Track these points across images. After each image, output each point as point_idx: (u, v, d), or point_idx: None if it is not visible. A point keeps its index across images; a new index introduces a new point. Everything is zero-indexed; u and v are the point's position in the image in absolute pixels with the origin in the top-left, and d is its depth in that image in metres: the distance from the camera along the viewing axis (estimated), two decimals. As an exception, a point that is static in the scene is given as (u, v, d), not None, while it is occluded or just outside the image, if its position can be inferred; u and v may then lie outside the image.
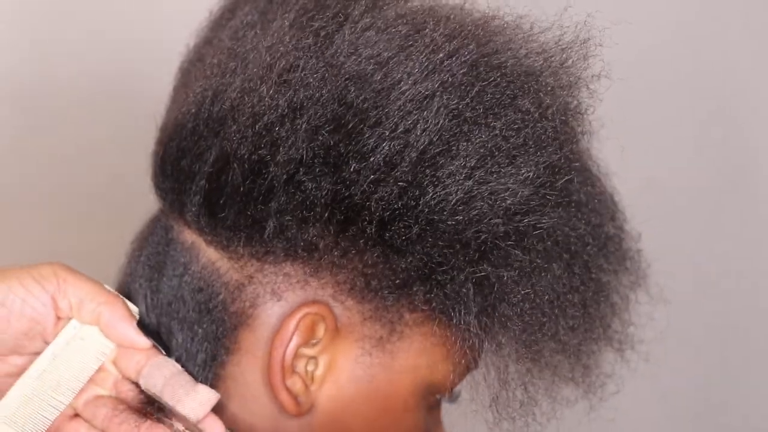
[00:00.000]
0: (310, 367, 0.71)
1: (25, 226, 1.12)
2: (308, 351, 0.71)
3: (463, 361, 0.75)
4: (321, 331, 0.70)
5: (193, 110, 0.71)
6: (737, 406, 1.41)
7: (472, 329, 0.71)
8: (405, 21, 0.70)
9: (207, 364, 0.71)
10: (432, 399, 0.75)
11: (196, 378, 0.69)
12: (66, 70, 1.16)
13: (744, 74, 1.44)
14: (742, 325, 1.45)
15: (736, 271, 1.43)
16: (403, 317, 0.71)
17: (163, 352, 0.69)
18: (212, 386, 0.69)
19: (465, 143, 0.67)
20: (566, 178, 0.70)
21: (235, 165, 0.68)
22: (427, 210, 0.67)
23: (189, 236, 0.72)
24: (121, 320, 0.67)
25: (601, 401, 0.79)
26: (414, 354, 0.72)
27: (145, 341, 0.67)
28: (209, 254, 0.71)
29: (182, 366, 0.68)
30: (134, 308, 0.70)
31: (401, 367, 0.72)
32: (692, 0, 1.41)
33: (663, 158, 1.35)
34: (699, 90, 1.41)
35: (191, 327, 0.71)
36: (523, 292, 0.70)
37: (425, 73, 0.67)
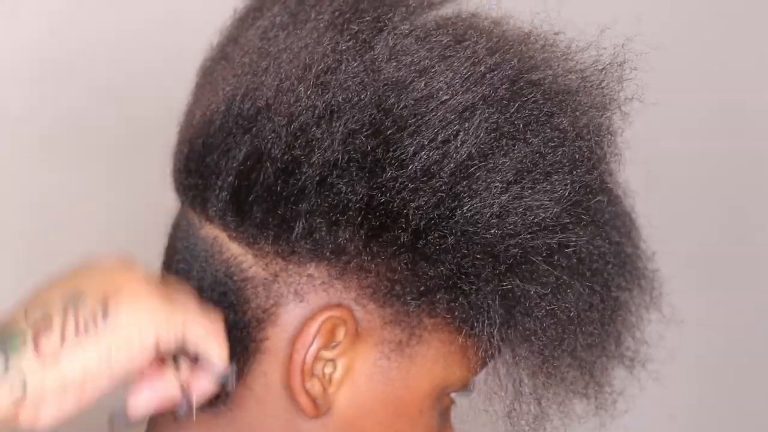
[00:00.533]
0: (327, 369, 0.71)
1: (26, 226, 1.12)
2: (327, 354, 0.71)
3: (477, 365, 0.76)
4: (341, 334, 0.71)
5: (223, 108, 0.71)
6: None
7: (493, 340, 0.71)
8: (446, 31, 0.70)
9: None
10: (446, 400, 0.75)
11: None
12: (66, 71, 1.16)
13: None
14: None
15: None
16: (423, 322, 0.72)
17: None
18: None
19: (503, 158, 0.68)
20: (597, 198, 0.70)
21: (268, 164, 0.68)
22: (462, 221, 0.68)
23: (211, 231, 0.72)
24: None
25: (613, 419, 0.79)
26: (431, 358, 0.73)
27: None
28: (233, 249, 0.71)
29: None
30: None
31: (418, 371, 0.72)
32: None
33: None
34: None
35: None
36: (547, 307, 0.70)
37: (466, 85, 0.67)
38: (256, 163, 0.69)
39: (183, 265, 0.73)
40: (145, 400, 0.67)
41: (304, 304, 0.70)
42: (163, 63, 1.14)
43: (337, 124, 0.67)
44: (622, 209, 0.78)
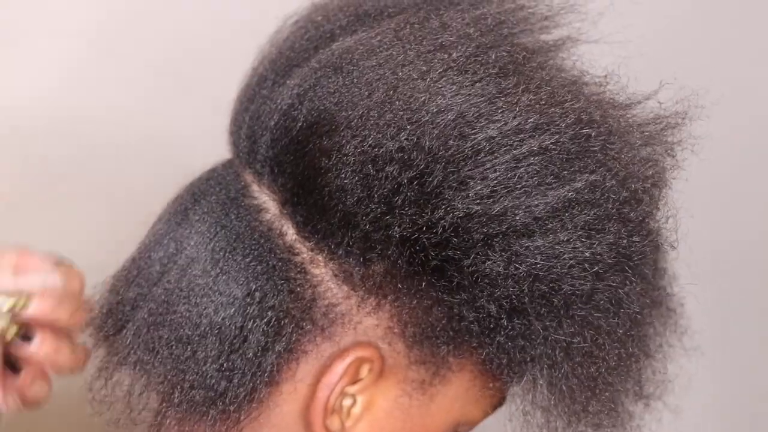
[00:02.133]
0: (346, 402, 0.69)
1: (25, 225, 1.09)
2: (349, 389, 0.69)
3: (495, 402, 0.75)
4: (365, 371, 0.69)
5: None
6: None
7: (520, 380, 0.70)
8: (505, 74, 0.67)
9: (246, 391, 0.69)
10: (463, 430, 0.75)
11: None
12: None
13: None
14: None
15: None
16: (448, 362, 0.70)
17: None
18: (247, 406, 0.68)
19: (562, 211, 0.66)
20: (644, 244, 0.69)
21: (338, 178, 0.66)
22: (512, 279, 0.66)
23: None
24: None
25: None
26: (451, 397, 0.72)
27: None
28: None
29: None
30: None
31: (437, 409, 0.71)
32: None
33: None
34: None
35: None
36: (594, 358, 0.69)
37: (524, 135, 0.65)
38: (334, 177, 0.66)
39: None
40: None
41: (333, 340, 0.68)
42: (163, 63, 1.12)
43: (421, 152, 0.64)
44: (661, 252, 0.76)
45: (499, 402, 0.76)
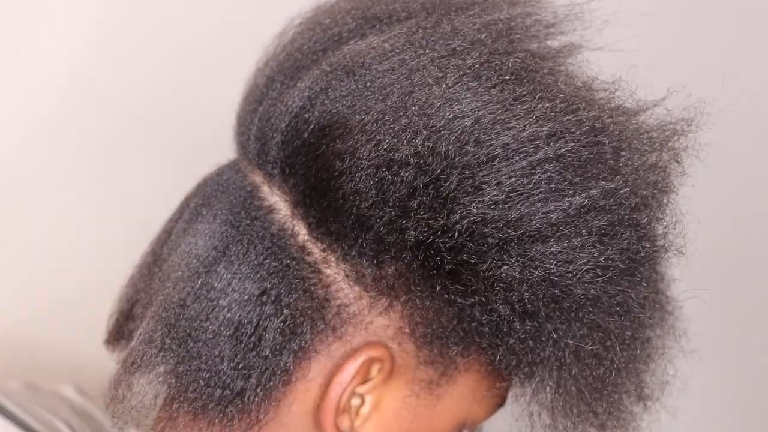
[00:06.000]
0: (355, 401, 0.70)
1: (25, 225, 1.09)
2: (359, 389, 0.70)
3: (499, 402, 0.76)
4: (375, 371, 0.70)
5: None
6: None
7: (527, 379, 0.71)
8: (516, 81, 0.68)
9: (264, 389, 0.69)
10: (467, 428, 0.75)
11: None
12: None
13: None
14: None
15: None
16: (456, 362, 0.71)
17: None
18: (264, 406, 0.69)
19: (573, 215, 0.67)
20: (649, 248, 0.70)
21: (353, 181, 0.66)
22: (527, 283, 0.67)
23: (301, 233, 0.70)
24: None
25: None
26: (458, 397, 0.72)
27: None
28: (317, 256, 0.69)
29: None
30: None
31: (443, 409, 0.72)
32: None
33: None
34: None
35: None
36: (602, 360, 0.70)
37: (538, 142, 0.66)
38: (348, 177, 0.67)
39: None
40: None
41: (345, 339, 0.69)
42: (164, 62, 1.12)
43: (437, 158, 0.65)
44: (663, 249, 0.77)
45: (501, 402, 0.77)
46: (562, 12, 0.76)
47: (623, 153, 0.68)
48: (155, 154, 1.08)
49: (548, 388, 0.72)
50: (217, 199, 0.73)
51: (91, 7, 1.07)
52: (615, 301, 0.69)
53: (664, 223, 0.72)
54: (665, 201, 0.70)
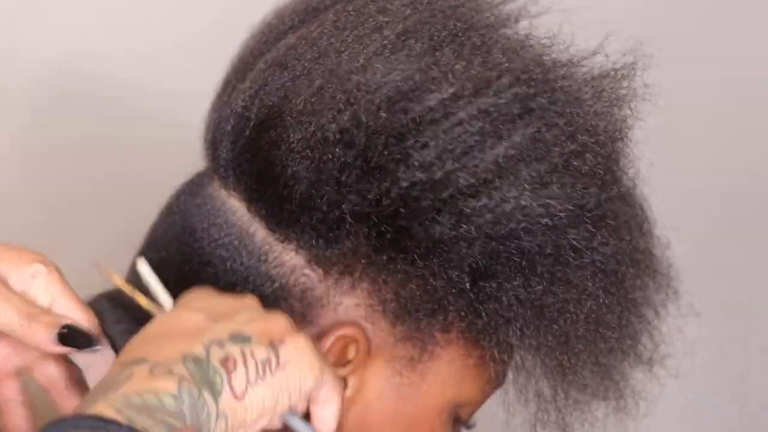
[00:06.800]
0: None
1: (25, 225, 1.11)
2: (339, 371, 0.69)
3: (491, 379, 0.75)
4: (352, 352, 0.70)
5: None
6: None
7: (509, 350, 0.71)
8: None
9: None
10: (464, 413, 0.74)
11: None
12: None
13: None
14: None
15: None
16: (435, 337, 0.71)
17: None
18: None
19: (520, 163, 0.68)
20: (614, 197, 0.70)
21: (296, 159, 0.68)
22: (465, 240, 0.67)
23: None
24: None
25: (634, 421, 0.78)
26: (443, 374, 0.72)
27: None
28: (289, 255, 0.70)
29: None
30: None
31: (430, 387, 0.72)
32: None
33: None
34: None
35: None
36: (566, 312, 0.70)
37: (480, 95, 0.67)
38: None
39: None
40: None
41: (315, 322, 0.70)
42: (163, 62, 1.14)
43: (361, 130, 0.67)
44: (634, 204, 0.77)
45: (498, 380, 0.76)
46: None
47: (556, 102, 0.68)
48: (155, 154, 1.10)
49: (529, 354, 0.72)
50: (187, 205, 0.75)
51: (91, 7, 1.10)
52: (569, 252, 0.68)
53: (628, 171, 0.72)
54: (619, 148, 0.70)
